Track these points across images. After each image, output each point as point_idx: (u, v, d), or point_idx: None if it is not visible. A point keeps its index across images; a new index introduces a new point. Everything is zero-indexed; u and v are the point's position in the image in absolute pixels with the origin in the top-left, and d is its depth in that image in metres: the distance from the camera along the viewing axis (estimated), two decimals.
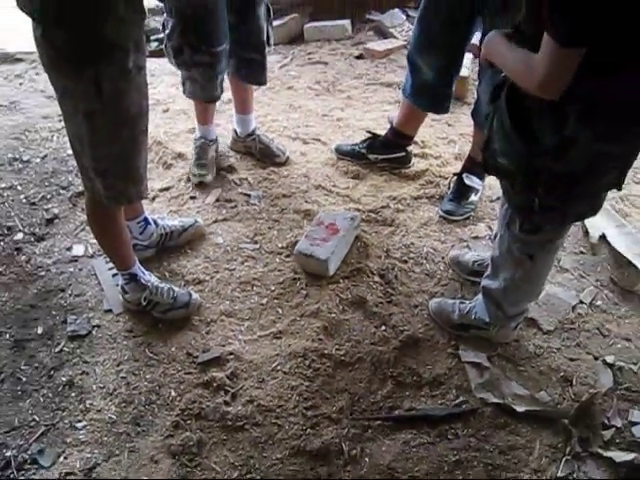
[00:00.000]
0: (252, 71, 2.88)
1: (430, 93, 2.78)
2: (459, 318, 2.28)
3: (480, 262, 2.47)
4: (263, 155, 3.15)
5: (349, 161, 3.15)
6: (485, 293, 2.19)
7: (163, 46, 2.72)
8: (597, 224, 2.65)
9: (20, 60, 4.21)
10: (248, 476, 1.92)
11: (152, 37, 4.35)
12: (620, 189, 1.77)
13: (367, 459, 1.97)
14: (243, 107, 3.09)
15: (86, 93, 1.78)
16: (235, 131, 3.18)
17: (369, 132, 3.15)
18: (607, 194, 1.84)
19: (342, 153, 3.18)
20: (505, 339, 2.28)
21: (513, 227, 1.90)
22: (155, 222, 2.59)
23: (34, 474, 1.94)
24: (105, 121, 1.85)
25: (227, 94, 3.49)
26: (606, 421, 2.05)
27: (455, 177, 2.88)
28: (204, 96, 2.87)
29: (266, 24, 2.76)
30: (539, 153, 1.63)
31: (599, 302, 2.45)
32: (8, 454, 1.99)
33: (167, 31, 2.62)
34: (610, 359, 2.23)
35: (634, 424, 2.05)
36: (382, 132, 3.10)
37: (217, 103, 3.34)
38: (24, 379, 2.22)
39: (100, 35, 1.70)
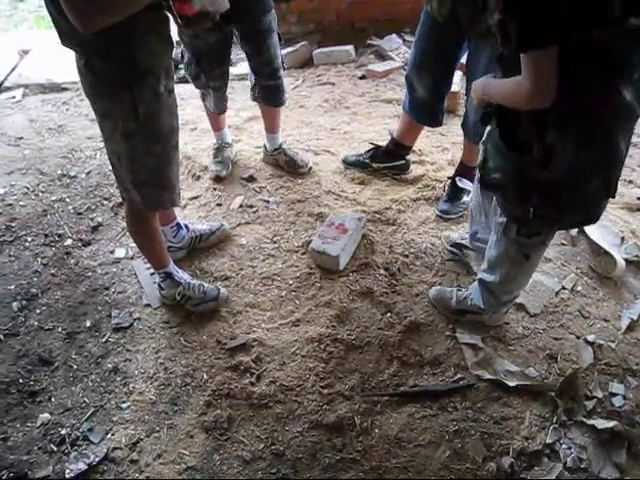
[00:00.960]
0: (269, 95, 2.88)
1: (426, 109, 2.75)
2: (457, 304, 2.27)
3: (463, 237, 2.52)
4: (289, 166, 3.14)
5: (355, 169, 3.14)
6: (482, 284, 2.17)
7: (183, 71, 2.86)
8: None
9: (66, 89, 4.22)
10: (272, 447, 1.92)
11: (180, 65, 4.35)
12: (613, 197, 1.70)
13: (377, 430, 1.96)
14: (271, 127, 3.08)
15: (124, 114, 1.80)
16: (265, 146, 3.18)
17: (372, 144, 3.13)
18: (606, 203, 1.76)
19: (349, 163, 3.17)
20: (497, 322, 2.26)
21: (510, 233, 1.87)
22: (186, 227, 2.59)
23: (85, 449, 1.95)
24: (141, 138, 1.86)
25: (246, 113, 3.52)
26: (588, 393, 2.04)
27: (449, 180, 2.85)
28: (218, 109, 2.98)
29: (279, 50, 2.74)
30: (528, 163, 1.61)
31: (579, 287, 2.43)
32: (63, 432, 2.01)
33: (185, 60, 2.76)
34: (591, 338, 2.21)
35: (613, 395, 2.04)
36: (383, 143, 3.08)
37: (239, 122, 3.33)
38: (75, 366, 2.23)
39: (135, 63, 1.72)
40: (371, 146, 3.13)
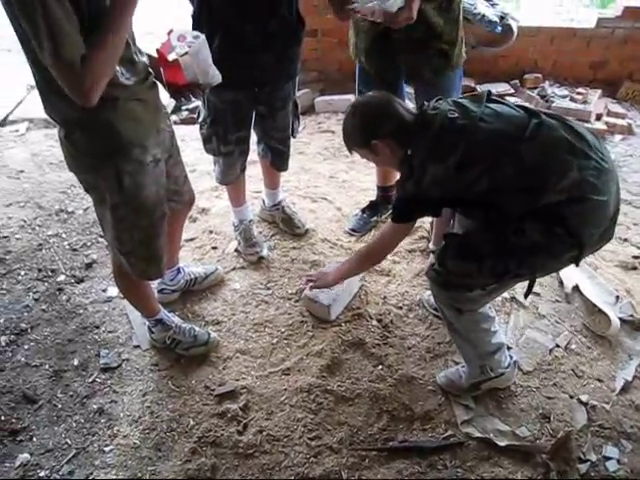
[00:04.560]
0: (275, 158, 2.77)
1: None
2: (467, 381, 2.16)
3: None
4: (285, 225, 3.04)
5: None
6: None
7: (198, 131, 2.56)
8: (571, 276, 2.62)
9: None
10: None
11: (183, 107, 4.40)
12: (577, 265, 1.77)
13: None
14: (271, 183, 2.98)
15: (108, 187, 1.74)
16: (263, 201, 3.10)
17: (366, 207, 3.14)
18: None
19: (359, 230, 3.06)
20: (510, 381, 2.19)
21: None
22: (182, 269, 2.58)
23: None
24: (126, 211, 1.80)
25: None
26: (582, 456, 2.00)
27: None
28: (223, 180, 2.72)
29: (292, 118, 2.63)
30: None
31: (573, 346, 2.41)
32: (42, 474, 1.96)
33: (200, 119, 2.49)
34: (584, 398, 2.18)
35: (607, 459, 2.00)
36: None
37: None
38: (59, 406, 2.18)
39: (117, 135, 1.66)
40: (367, 203, 3.14)
